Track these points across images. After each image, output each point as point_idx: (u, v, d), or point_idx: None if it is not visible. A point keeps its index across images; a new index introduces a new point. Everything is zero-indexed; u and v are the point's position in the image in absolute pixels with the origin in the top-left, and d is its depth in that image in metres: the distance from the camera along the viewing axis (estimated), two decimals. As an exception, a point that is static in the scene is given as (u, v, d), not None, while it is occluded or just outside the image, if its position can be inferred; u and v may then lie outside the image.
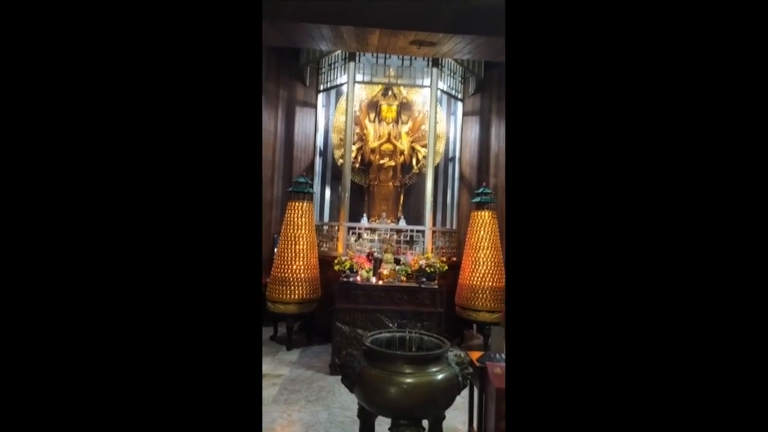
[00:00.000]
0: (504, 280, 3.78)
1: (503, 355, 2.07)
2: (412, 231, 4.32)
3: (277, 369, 3.28)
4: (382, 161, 4.74)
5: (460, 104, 4.97)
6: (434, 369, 1.65)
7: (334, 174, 5.01)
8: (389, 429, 1.67)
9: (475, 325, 4.24)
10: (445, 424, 1.88)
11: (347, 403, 2.67)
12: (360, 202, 4.83)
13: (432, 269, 3.50)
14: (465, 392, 2.27)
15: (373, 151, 4.74)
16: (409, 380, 1.59)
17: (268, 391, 2.84)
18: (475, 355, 2.18)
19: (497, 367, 1.99)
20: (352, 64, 4.32)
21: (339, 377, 2.85)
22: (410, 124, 4.81)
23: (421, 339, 1.90)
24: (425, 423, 1.74)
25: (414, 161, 4.86)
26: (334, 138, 4.92)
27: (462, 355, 1.86)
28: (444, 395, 1.65)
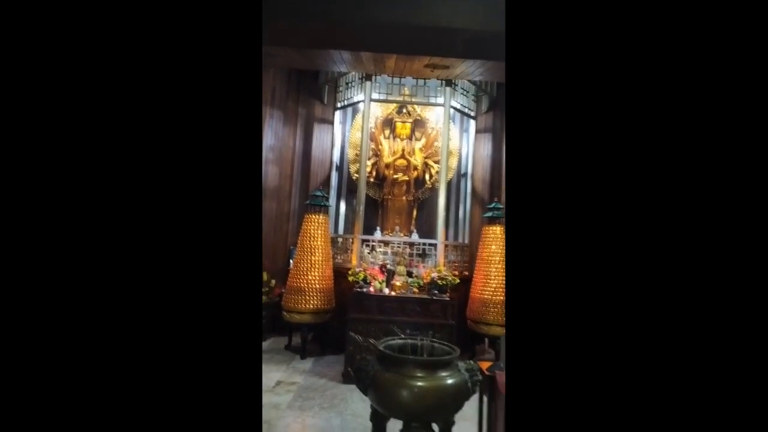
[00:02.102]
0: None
1: (512, 365, 2.12)
2: (424, 244, 4.41)
3: (292, 377, 3.36)
4: (396, 176, 4.87)
5: (472, 122, 5.10)
6: (444, 374, 1.73)
7: (349, 188, 5.16)
8: (401, 431, 1.74)
9: (486, 340, 4.25)
10: (455, 433, 1.94)
11: (359, 410, 2.74)
12: (374, 215, 4.96)
13: (444, 282, 3.57)
14: (475, 403, 2.32)
15: (387, 166, 4.88)
16: (420, 384, 1.68)
17: (283, 398, 2.93)
18: (485, 365, 2.24)
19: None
20: (368, 83, 4.51)
21: (352, 386, 2.93)
22: (424, 140, 4.96)
23: (432, 347, 1.98)
24: (435, 428, 1.80)
25: (427, 176, 4.98)
26: (350, 153, 5.09)
27: (471, 362, 1.93)
28: (454, 399, 1.72)
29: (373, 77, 4.56)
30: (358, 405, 2.82)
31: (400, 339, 2.01)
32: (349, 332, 3.30)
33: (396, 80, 4.75)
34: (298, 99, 5.01)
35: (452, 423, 1.89)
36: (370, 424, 1.95)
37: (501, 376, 2.04)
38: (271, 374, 3.34)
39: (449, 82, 4.53)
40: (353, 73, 4.76)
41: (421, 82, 4.73)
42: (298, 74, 4.90)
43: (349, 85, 4.92)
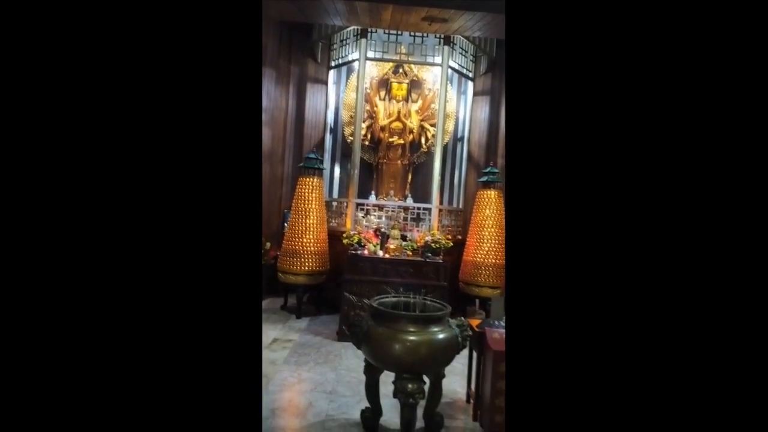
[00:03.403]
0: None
1: (501, 322, 2.19)
2: (419, 209, 4.41)
3: (288, 335, 3.46)
4: (391, 139, 4.78)
5: (470, 83, 4.95)
6: (436, 329, 1.77)
7: (343, 151, 5.08)
8: (393, 382, 1.81)
9: (477, 301, 4.36)
10: (445, 387, 2.03)
11: (353, 365, 2.84)
12: (369, 179, 4.91)
13: (437, 245, 3.61)
14: (464, 360, 2.42)
15: (382, 129, 4.78)
16: (412, 338, 1.72)
17: (279, 354, 3.02)
18: (475, 322, 2.31)
19: (496, 333, 2.11)
20: (363, 40, 4.32)
21: (346, 343, 3.02)
22: (420, 102, 4.83)
23: (424, 304, 2.02)
24: (426, 380, 1.88)
25: (423, 140, 4.90)
26: (345, 115, 4.96)
27: (462, 319, 1.98)
28: (444, 353, 1.78)
29: (369, 34, 4.35)
30: (352, 361, 2.92)
31: (394, 297, 2.05)
32: (343, 293, 3.36)
33: (392, 38, 4.54)
34: (290, 57, 4.79)
35: (442, 375, 1.97)
36: (363, 378, 2.03)
37: (490, 333, 2.10)
38: (267, 332, 3.43)
39: (447, 41, 4.35)
40: (348, 29, 4.54)
41: (418, 40, 4.53)
42: (290, 30, 4.66)
43: (344, 42, 4.70)
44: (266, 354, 2.98)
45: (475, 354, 2.32)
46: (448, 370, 1.97)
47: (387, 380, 1.92)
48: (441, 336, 1.76)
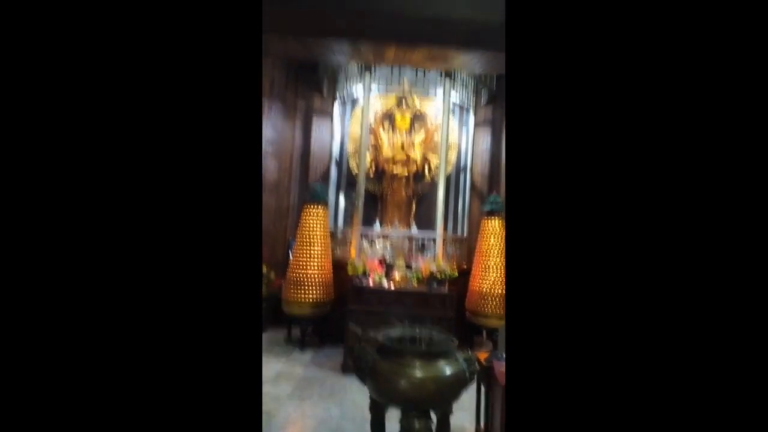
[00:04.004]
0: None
1: (510, 356, 2.14)
2: (423, 238, 4.42)
3: (291, 368, 3.39)
4: (395, 170, 4.87)
5: (472, 115, 5.09)
6: (443, 364, 1.74)
7: (348, 182, 5.16)
8: (400, 420, 1.76)
9: (484, 332, 4.28)
10: (453, 423, 1.96)
11: (358, 400, 2.76)
12: (373, 209, 4.96)
13: (442, 275, 3.59)
14: (473, 394, 2.35)
15: (386, 160, 4.88)
16: (419, 374, 1.69)
17: (283, 389, 2.95)
18: (483, 355, 2.26)
19: (503, 366, 2.06)
20: (368, 75, 4.49)
21: (350, 377, 2.95)
22: (423, 134, 4.95)
23: (430, 337, 1.99)
24: (433, 417, 1.82)
25: (426, 170, 4.98)
26: (349, 147, 5.08)
27: (469, 352, 1.94)
28: (451, 389, 1.74)
29: (372, 69, 4.54)
30: (357, 395, 2.85)
31: (399, 330, 2.02)
32: (348, 325, 3.31)
33: (395, 72, 4.72)
34: (297, 91, 4.99)
35: (450, 412, 1.91)
36: (368, 414, 1.97)
37: (498, 366, 2.06)
38: (270, 365, 3.37)
39: (449, 74, 4.51)
40: (352, 64, 4.73)
41: (420, 74, 4.70)
42: (297, 65, 4.88)
43: (349, 77, 4.89)
44: (270, 389, 2.92)
45: (483, 388, 2.26)
46: (455, 405, 1.92)
47: (393, 417, 1.87)
48: (448, 371, 1.73)
